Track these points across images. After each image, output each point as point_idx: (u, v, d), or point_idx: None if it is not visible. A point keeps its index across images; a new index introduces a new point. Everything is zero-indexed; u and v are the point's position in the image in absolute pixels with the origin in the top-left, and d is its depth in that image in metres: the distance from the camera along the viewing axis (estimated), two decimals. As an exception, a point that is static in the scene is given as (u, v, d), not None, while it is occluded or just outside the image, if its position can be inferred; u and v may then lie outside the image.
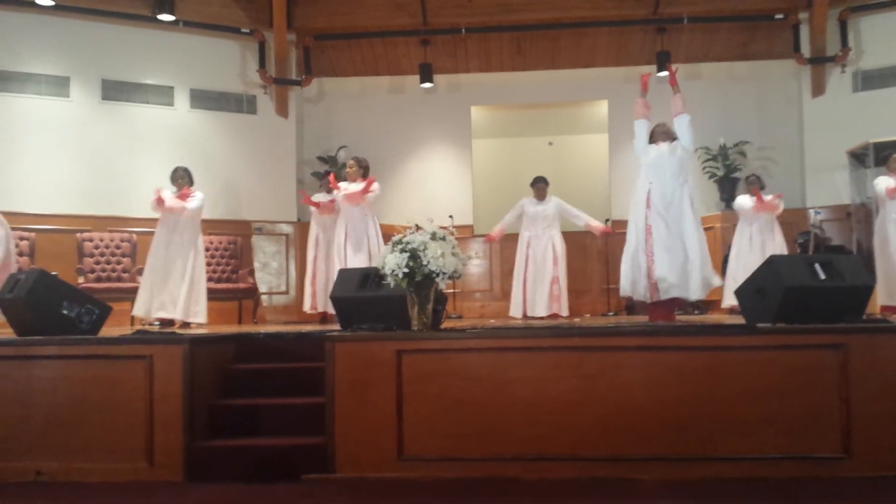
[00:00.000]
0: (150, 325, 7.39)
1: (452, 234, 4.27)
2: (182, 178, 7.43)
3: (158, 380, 4.10)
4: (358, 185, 7.61)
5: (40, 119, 8.80)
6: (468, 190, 10.68)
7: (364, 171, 7.73)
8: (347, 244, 7.54)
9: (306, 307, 8.32)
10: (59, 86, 8.99)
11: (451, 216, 9.41)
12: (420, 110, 10.72)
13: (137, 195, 8.80)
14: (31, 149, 8.66)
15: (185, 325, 7.24)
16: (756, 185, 8.38)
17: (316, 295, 8.17)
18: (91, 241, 8.50)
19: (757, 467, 3.77)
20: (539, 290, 8.27)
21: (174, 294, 7.12)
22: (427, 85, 10.34)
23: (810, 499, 3.50)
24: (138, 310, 7.26)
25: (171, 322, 7.21)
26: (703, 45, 10.22)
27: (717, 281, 6.36)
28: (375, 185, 7.63)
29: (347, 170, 7.79)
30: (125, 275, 8.46)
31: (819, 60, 9.69)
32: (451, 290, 9.38)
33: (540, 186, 8.48)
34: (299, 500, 3.65)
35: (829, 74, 9.74)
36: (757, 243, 8.18)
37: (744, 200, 8.38)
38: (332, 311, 7.25)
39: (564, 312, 8.30)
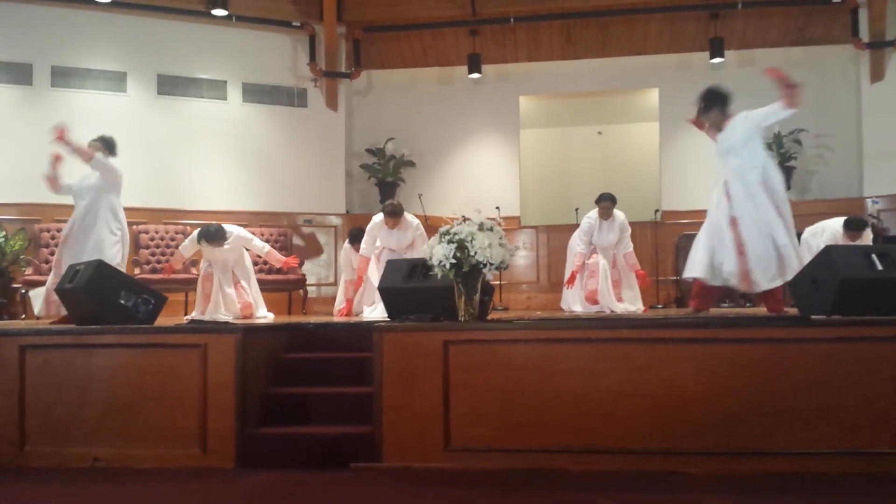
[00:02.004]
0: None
1: (500, 224, 4.27)
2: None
3: (212, 368, 4.18)
4: (406, 233, 7.01)
5: (99, 114, 9.02)
6: (515, 181, 10.65)
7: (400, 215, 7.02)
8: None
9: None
10: (117, 81, 9.26)
11: (498, 207, 9.41)
12: (468, 101, 10.71)
13: (192, 188, 9.00)
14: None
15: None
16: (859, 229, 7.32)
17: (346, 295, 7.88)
18: (147, 233, 8.71)
19: (810, 462, 3.70)
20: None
21: (244, 299, 7.04)
22: (475, 75, 10.33)
23: (864, 495, 3.42)
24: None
25: None
26: (758, 31, 9.99)
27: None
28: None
29: (388, 223, 6.99)
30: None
31: (878, 45, 9.41)
32: (498, 282, 9.37)
33: (605, 205, 7.29)
34: (347, 488, 3.69)
35: (888, 59, 9.46)
36: None
37: None
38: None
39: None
